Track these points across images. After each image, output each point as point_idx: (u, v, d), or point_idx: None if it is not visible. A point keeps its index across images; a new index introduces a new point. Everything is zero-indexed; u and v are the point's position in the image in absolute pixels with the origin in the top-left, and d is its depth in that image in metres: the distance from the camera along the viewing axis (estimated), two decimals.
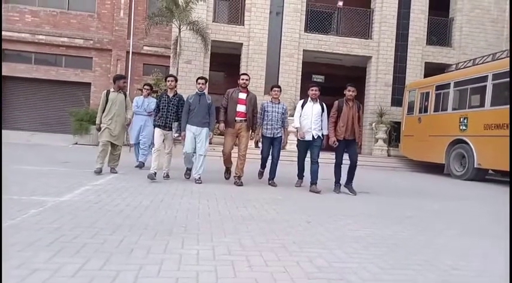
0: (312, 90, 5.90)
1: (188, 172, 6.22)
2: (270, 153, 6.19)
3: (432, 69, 14.12)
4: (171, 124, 5.94)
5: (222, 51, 14.44)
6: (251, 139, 6.11)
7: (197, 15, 12.91)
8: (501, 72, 8.93)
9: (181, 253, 2.49)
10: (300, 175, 6.26)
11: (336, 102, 5.84)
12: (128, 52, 16.29)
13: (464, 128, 9.82)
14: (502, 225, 4.15)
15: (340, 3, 14.82)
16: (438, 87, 11.06)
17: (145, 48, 16.39)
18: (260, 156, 6.24)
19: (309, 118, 5.81)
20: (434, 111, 11.08)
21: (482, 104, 9.43)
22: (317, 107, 5.86)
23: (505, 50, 10.62)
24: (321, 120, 5.87)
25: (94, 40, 16.20)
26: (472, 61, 11.06)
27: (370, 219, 4.00)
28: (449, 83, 10.60)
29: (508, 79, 8.66)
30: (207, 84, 6.28)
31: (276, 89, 6.19)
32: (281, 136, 6.11)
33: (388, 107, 14.02)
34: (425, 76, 13.84)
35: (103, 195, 4.35)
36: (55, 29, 15.95)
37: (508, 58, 9.34)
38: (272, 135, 6.05)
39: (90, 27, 16.34)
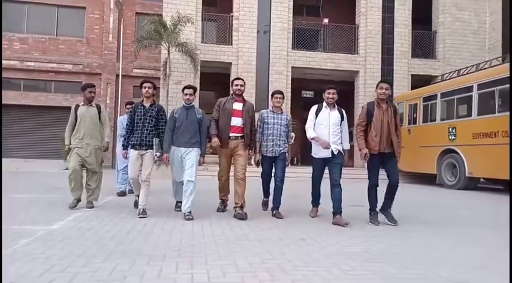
0: (329, 92, 4.65)
1: (179, 204, 5.04)
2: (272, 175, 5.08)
3: (418, 81, 14.39)
4: (150, 141, 4.75)
5: (212, 71, 14.57)
6: (249, 158, 5.05)
7: (185, 36, 13.06)
8: (486, 82, 9.13)
9: (175, 278, 2.46)
10: (316, 202, 5.00)
11: (365, 106, 4.67)
12: (117, 75, 16.36)
13: (453, 137, 9.95)
14: (495, 233, 4.17)
15: (326, 21, 15.16)
16: (425, 99, 11.25)
17: (135, 70, 16.48)
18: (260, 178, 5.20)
19: (326, 128, 4.60)
20: (423, 122, 11.24)
21: (469, 114, 9.59)
22: (335, 114, 4.66)
23: (487, 60, 10.89)
24: (340, 131, 4.67)
25: (83, 65, 16.26)
26: (456, 72, 11.31)
27: (365, 234, 3.98)
28: (436, 94, 10.79)
29: (493, 88, 8.85)
30: (197, 95, 5.55)
31: (278, 95, 5.01)
32: (285, 152, 4.97)
33: None
34: (412, 88, 14.08)
35: (95, 221, 4.29)
36: (44, 55, 15.99)
37: (492, 68, 9.57)
38: (274, 154, 4.90)
39: (79, 52, 16.42)
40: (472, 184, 9.68)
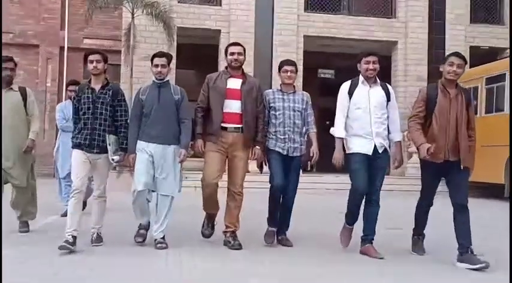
0: (368, 61, 4.34)
1: (142, 232, 4.65)
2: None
3: (480, 55, 14.36)
4: (104, 140, 4.41)
5: (193, 42, 14.56)
6: (252, 159, 4.73)
7: None
8: None
9: None
10: (352, 219, 4.52)
11: (424, 89, 4.39)
12: (62, 48, 16.33)
13: None
14: None
15: None
16: (489, 80, 11.23)
17: (86, 41, 16.44)
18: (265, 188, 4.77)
19: (366, 112, 4.30)
20: (486, 113, 11.22)
21: None
22: (378, 92, 4.38)
23: None
24: (387, 117, 4.43)
25: (14, 33, 16.22)
26: None
27: (405, 270, 3.93)
28: (505, 74, 10.76)
29: None
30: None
31: (289, 67, 4.74)
32: (300, 156, 4.72)
33: None
34: (472, 65, 14.02)
35: (29, 252, 4.26)
36: None
37: None
38: (286, 152, 4.60)
39: (8, 16, 16.32)
40: None
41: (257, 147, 4.61)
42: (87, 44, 16.39)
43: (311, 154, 4.75)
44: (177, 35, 13.67)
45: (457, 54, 4.29)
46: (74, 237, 4.21)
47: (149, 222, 4.69)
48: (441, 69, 4.29)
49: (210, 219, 4.84)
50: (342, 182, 11.84)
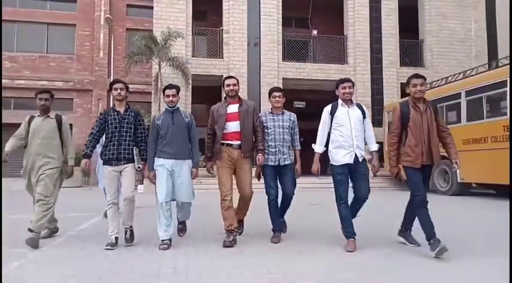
0: (344, 87, 3.96)
1: (165, 244, 3.82)
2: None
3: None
4: (130, 154, 4.00)
5: (203, 84, 14.62)
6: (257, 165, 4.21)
7: (176, 51, 13.13)
8: (473, 89, 9.25)
9: None
10: (350, 230, 3.85)
11: (397, 107, 3.86)
12: (108, 91, 16.26)
13: None
14: (494, 241, 4.16)
15: (315, 32, 15.37)
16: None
17: None
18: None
19: (348, 129, 3.88)
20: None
21: (458, 120, 9.68)
22: (355, 111, 3.99)
23: (474, 67, 11.05)
24: (364, 131, 3.98)
25: (74, 81, 16.22)
26: (444, 79, 11.43)
27: (361, 244, 3.85)
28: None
29: (480, 95, 8.97)
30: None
31: (277, 93, 4.41)
32: (291, 163, 4.25)
33: None
34: (402, 96, 14.22)
35: (88, 241, 4.20)
36: (34, 73, 15.94)
37: (479, 75, 9.70)
38: (277, 163, 4.18)
39: (69, 69, 16.40)
40: (464, 190, 9.72)
41: (260, 154, 4.10)
42: None
43: (296, 173, 4.28)
44: (192, 80, 13.74)
45: (416, 76, 3.81)
46: (116, 239, 3.90)
47: (169, 239, 3.90)
48: (408, 90, 3.79)
49: (229, 232, 3.99)
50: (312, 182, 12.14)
